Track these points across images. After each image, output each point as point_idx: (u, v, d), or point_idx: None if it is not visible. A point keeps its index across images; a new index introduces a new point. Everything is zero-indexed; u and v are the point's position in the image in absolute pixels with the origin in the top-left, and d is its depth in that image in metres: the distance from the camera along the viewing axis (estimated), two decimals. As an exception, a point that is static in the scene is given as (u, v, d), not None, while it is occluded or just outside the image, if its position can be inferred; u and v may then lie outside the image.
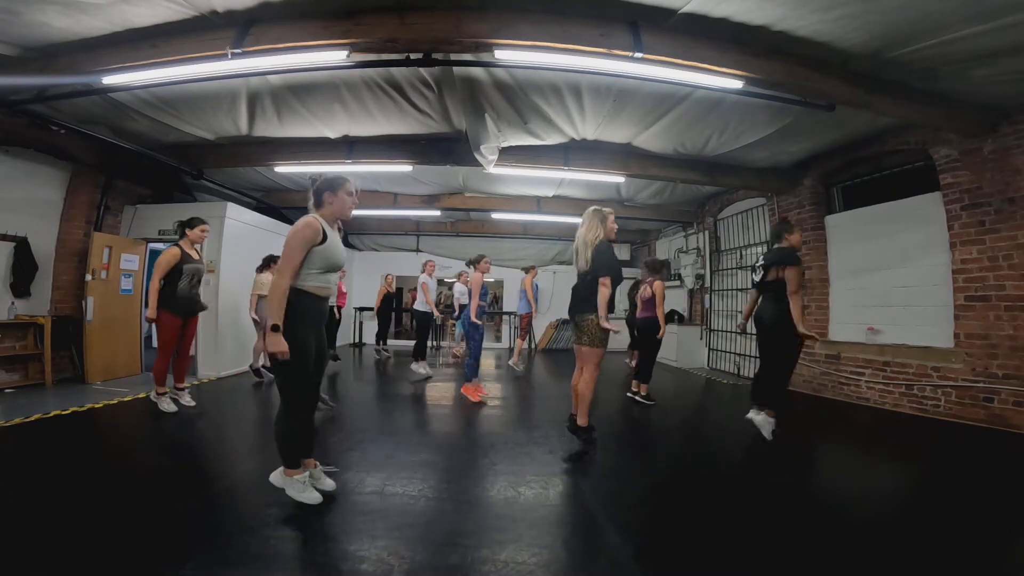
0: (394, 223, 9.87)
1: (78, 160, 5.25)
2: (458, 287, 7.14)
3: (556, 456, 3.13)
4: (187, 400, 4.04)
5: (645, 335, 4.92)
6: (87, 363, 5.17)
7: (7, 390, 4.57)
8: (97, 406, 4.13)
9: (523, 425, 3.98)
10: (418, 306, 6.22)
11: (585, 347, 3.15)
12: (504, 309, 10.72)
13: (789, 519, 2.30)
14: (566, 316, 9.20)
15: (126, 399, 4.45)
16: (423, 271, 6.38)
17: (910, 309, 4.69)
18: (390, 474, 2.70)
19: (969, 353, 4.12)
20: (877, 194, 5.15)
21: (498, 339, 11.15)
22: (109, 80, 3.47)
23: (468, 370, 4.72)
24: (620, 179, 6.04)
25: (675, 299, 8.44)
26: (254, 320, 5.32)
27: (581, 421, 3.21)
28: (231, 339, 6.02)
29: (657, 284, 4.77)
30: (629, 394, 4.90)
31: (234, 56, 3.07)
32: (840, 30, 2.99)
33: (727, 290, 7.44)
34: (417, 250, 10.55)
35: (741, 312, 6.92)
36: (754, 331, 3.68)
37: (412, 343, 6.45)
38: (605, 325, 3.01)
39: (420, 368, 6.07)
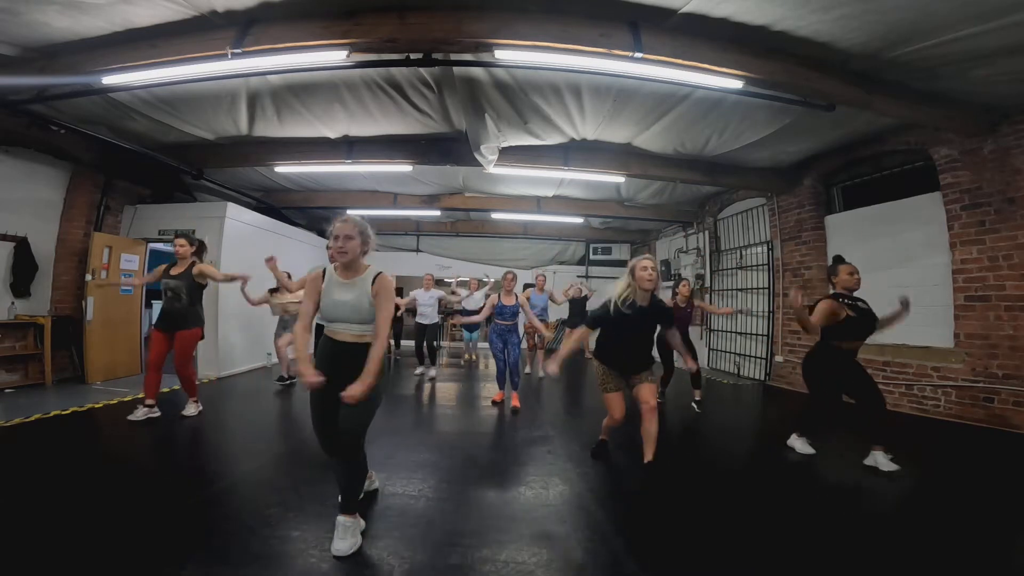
0: (394, 223, 9.87)
1: (78, 160, 5.25)
2: (465, 292, 7.10)
3: (556, 456, 3.14)
4: (139, 415, 3.70)
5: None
6: (87, 363, 5.17)
7: (7, 390, 4.57)
8: (97, 406, 4.13)
9: (523, 425, 3.98)
10: (417, 319, 6.35)
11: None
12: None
13: (789, 518, 2.30)
14: (564, 316, 9.25)
15: (126, 399, 4.44)
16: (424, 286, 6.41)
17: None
18: (390, 474, 2.70)
19: (969, 353, 4.12)
20: (877, 194, 5.15)
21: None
22: (109, 80, 3.47)
23: (517, 379, 4.73)
24: (620, 179, 6.04)
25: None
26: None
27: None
28: (230, 339, 6.02)
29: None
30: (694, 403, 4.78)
31: (234, 56, 3.07)
32: (840, 30, 2.99)
33: (727, 290, 7.43)
34: (417, 250, 10.56)
35: (742, 312, 6.98)
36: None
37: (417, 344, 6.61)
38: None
39: (418, 369, 6.39)
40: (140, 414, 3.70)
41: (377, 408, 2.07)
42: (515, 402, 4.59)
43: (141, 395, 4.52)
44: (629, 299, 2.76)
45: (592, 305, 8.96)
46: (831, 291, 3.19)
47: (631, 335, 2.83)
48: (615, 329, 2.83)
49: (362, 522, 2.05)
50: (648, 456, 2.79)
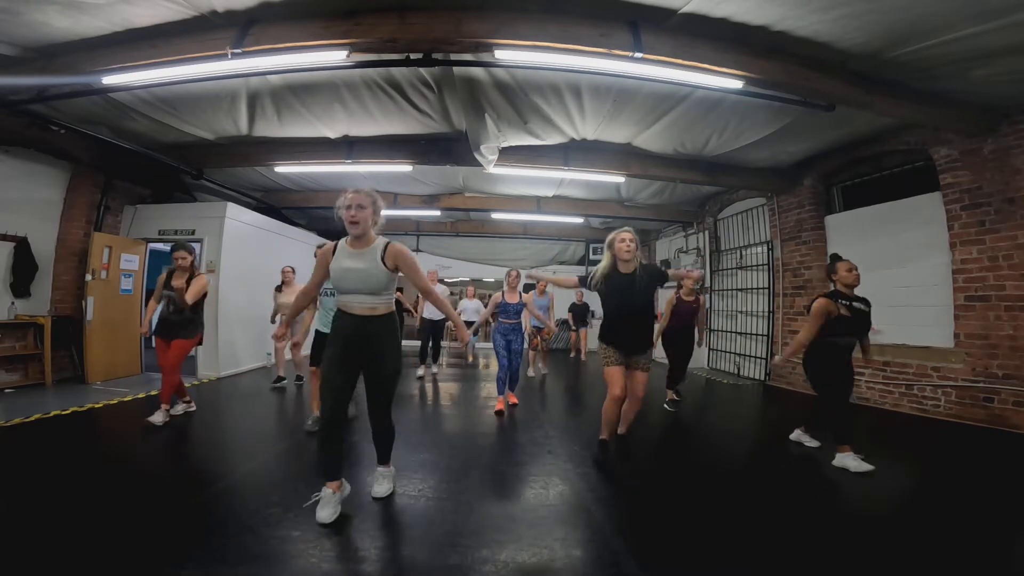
0: (394, 223, 9.85)
1: (78, 160, 5.25)
2: (465, 303, 7.01)
3: (556, 456, 3.13)
4: (179, 409, 3.88)
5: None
6: (87, 363, 5.17)
7: (7, 390, 4.57)
8: (97, 406, 4.13)
9: (523, 425, 3.98)
10: (425, 314, 6.33)
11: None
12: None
13: (789, 519, 2.30)
14: (564, 316, 9.29)
15: (126, 399, 4.45)
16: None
17: (910, 309, 4.69)
18: (390, 474, 2.70)
19: (969, 353, 4.12)
20: (877, 194, 5.15)
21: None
22: (109, 80, 3.47)
23: (516, 381, 4.75)
24: (620, 179, 6.04)
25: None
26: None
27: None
28: (231, 340, 6.02)
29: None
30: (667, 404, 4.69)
31: (234, 56, 3.07)
32: (840, 30, 2.99)
33: (727, 290, 7.44)
34: (417, 250, 10.55)
35: (742, 312, 6.99)
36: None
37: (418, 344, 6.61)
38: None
39: (419, 371, 6.33)
40: (179, 409, 3.91)
41: (399, 376, 2.31)
42: (512, 399, 4.59)
43: (142, 395, 4.59)
44: (609, 272, 2.91)
45: (593, 309, 9.08)
46: (831, 288, 3.18)
47: (627, 304, 2.87)
48: (613, 301, 2.91)
49: (393, 469, 2.47)
50: (623, 429, 3.10)
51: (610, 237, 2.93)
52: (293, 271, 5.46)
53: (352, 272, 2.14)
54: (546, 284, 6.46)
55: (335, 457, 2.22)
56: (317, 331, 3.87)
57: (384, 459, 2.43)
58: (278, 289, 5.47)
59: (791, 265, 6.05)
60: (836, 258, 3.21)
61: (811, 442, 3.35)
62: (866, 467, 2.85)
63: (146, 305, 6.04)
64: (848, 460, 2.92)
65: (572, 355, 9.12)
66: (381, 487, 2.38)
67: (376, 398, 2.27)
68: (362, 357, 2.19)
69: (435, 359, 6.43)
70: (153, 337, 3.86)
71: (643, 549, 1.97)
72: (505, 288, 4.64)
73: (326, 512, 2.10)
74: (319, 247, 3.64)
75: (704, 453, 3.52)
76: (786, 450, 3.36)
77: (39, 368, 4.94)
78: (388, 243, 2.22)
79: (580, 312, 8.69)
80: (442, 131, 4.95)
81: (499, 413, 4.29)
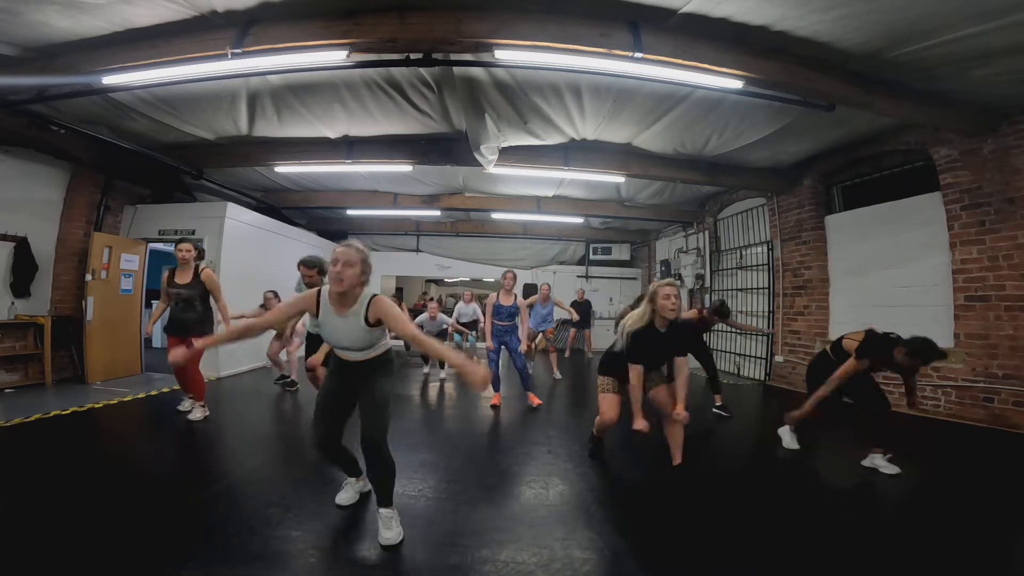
0: (394, 223, 9.88)
1: (78, 160, 5.25)
2: (462, 307, 7.01)
3: (556, 456, 3.13)
4: (186, 406, 3.96)
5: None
6: (87, 363, 5.17)
7: (7, 390, 4.56)
8: (97, 406, 4.13)
9: (523, 425, 3.98)
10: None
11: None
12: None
13: (789, 518, 2.30)
14: (566, 317, 9.28)
15: (126, 399, 4.45)
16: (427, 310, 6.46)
17: (910, 309, 4.69)
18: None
19: (969, 353, 4.12)
20: (877, 194, 5.15)
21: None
22: (109, 80, 3.47)
23: (528, 380, 4.82)
24: (620, 179, 6.04)
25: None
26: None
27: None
28: (231, 339, 6.01)
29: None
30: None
31: (234, 56, 3.07)
32: (840, 30, 3.00)
33: (727, 290, 7.43)
34: (417, 250, 10.56)
35: (742, 312, 6.99)
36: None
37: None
38: None
39: (425, 368, 6.60)
40: (188, 406, 3.93)
41: (390, 406, 2.13)
42: (535, 402, 4.63)
43: (142, 395, 4.59)
44: (645, 328, 2.67)
45: (595, 308, 9.01)
46: (871, 343, 2.93)
47: (648, 358, 2.78)
48: (635, 352, 2.74)
49: (396, 511, 2.10)
50: (676, 459, 2.83)
51: (652, 288, 2.69)
52: (276, 295, 5.30)
53: (339, 333, 2.03)
54: (548, 288, 6.41)
55: (346, 462, 2.30)
56: (309, 333, 3.88)
57: (385, 500, 2.06)
58: (262, 307, 5.32)
59: (791, 265, 6.05)
60: (921, 351, 2.70)
61: (888, 468, 2.94)
62: (795, 446, 3.38)
63: (147, 307, 6.10)
64: (785, 434, 3.44)
65: (567, 355, 9.07)
66: (390, 532, 2.00)
67: (369, 430, 2.03)
68: (356, 389, 2.13)
69: (441, 364, 6.55)
70: (166, 336, 3.86)
71: (643, 549, 1.97)
72: (500, 290, 4.69)
73: (345, 496, 2.31)
74: (301, 263, 3.56)
75: (704, 453, 3.52)
76: (785, 450, 3.35)
77: (39, 368, 4.93)
78: (372, 299, 1.99)
79: (583, 311, 8.63)
80: (442, 131, 4.95)
81: (495, 407, 4.57)
